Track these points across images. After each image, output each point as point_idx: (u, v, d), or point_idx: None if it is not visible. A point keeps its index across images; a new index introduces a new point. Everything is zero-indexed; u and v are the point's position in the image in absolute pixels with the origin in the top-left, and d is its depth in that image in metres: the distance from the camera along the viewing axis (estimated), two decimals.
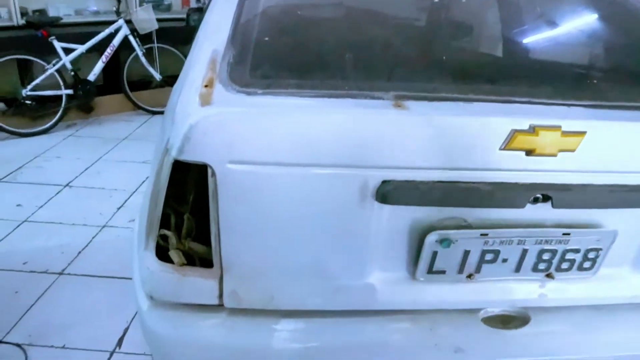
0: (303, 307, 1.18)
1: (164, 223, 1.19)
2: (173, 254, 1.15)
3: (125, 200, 3.08)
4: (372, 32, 1.35)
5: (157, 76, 4.59)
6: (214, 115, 1.00)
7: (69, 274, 2.39)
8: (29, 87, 4.03)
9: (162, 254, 1.16)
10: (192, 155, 1.00)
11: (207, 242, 1.12)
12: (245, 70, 1.11)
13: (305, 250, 1.11)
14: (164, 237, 1.19)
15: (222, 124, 1.00)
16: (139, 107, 4.66)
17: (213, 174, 1.01)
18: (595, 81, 1.30)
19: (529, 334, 1.22)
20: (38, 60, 4.05)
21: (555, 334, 1.24)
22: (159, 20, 4.46)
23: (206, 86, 1.06)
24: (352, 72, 1.16)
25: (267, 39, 1.22)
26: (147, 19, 4.36)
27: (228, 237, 1.07)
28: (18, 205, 2.99)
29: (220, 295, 1.13)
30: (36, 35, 4.03)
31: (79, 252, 2.55)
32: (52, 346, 1.96)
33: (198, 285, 1.13)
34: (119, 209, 2.99)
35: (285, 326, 1.17)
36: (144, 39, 4.46)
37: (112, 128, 4.36)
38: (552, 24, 1.51)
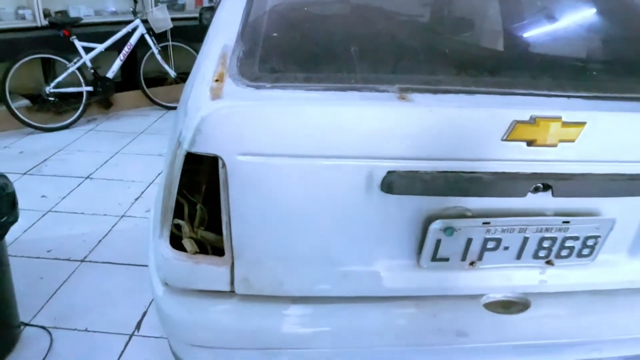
0: (311, 293, 1.17)
1: (178, 213, 1.18)
2: (186, 242, 1.14)
3: (143, 191, 3.08)
4: (377, 27, 1.32)
5: (172, 73, 4.57)
6: (224, 109, 0.98)
7: (90, 261, 2.40)
8: (52, 84, 4.04)
9: (176, 242, 1.15)
10: (203, 148, 0.98)
11: (219, 231, 1.11)
12: (255, 64, 1.09)
13: (313, 238, 1.09)
14: (177, 226, 1.19)
15: (232, 117, 0.98)
16: (155, 103, 4.65)
17: (223, 165, 1.00)
18: (594, 73, 1.27)
19: (530, 318, 1.20)
20: (60, 59, 4.04)
21: (554, 319, 1.22)
22: (173, 19, 4.44)
23: (217, 80, 1.04)
24: (358, 65, 1.13)
25: (275, 34, 1.20)
26: (162, 19, 4.34)
27: (239, 226, 1.06)
28: (43, 196, 3.00)
29: (232, 282, 1.12)
30: (58, 35, 4.02)
31: (100, 241, 2.56)
32: (75, 329, 1.97)
33: (210, 272, 1.11)
34: (136, 199, 2.99)
35: (294, 311, 1.16)
36: (160, 37, 4.44)
37: (129, 123, 4.35)
38: (552, 17, 1.47)
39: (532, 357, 1.26)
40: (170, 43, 4.57)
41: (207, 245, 1.19)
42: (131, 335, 1.95)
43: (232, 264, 1.10)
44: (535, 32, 1.43)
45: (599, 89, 1.12)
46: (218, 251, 1.14)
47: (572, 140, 1.02)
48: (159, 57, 4.44)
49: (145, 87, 4.57)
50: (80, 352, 1.86)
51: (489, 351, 1.24)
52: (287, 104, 0.99)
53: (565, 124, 1.00)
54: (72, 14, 4.36)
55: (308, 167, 1.00)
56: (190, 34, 4.46)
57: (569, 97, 1.07)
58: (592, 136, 1.02)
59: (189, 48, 4.53)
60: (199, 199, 1.26)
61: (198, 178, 1.24)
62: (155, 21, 4.30)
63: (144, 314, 2.05)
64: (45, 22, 4.15)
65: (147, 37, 4.33)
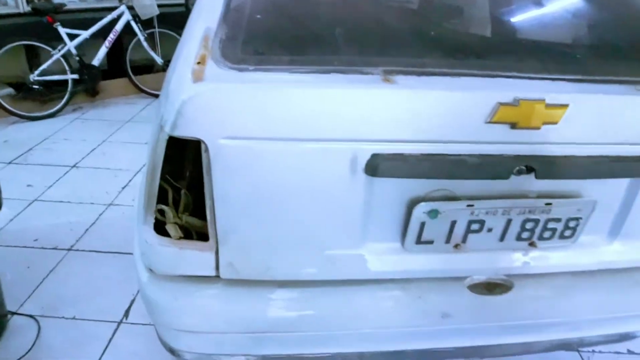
0: (297, 277, 1.16)
1: (162, 199, 1.17)
2: (170, 228, 1.13)
3: (130, 180, 3.05)
4: (362, 9, 1.30)
5: (159, 60, 4.50)
6: (205, 91, 0.96)
7: (77, 250, 2.38)
8: (37, 72, 3.96)
9: (161, 228, 1.14)
10: (185, 131, 0.97)
11: (204, 217, 1.09)
12: (237, 47, 1.06)
13: (299, 222, 1.08)
14: (162, 212, 1.17)
15: (214, 100, 0.96)
16: (142, 91, 4.58)
17: (206, 149, 0.98)
18: (578, 56, 1.26)
19: (512, 299, 1.21)
20: (44, 46, 3.96)
21: (537, 300, 1.23)
22: (159, 5, 4.34)
23: (199, 63, 1.02)
24: (342, 48, 1.12)
25: (258, 16, 1.17)
26: (148, 5, 4.25)
27: (223, 210, 1.05)
28: (28, 185, 2.96)
29: (217, 267, 1.11)
30: (42, 21, 3.93)
31: (87, 229, 2.53)
32: (63, 317, 1.96)
33: (195, 257, 1.10)
34: (123, 188, 2.96)
35: (280, 295, 1.16)
36: (146, 24, 4.36)
37: (116, 111, 4.29)
38: (538, 2, 1.46)
39: (515, 337, 1.28)
40: (157, 30, 4.50)
41: (192, 231, 1.18)
42: (119, 323, 1.94)
43: (217, 249, 1.09)
44: (521, 17, 1.42)
45: (582, 71, 1.11)
46: (203, 236, 1.13)
47: (555, 123, 1.01)
48: (145, 44, 4.36)
49: (132, 74, 4.51)
50: (69, 340, 1.85)
51: (472, 332, 1.25)
52: (270, 86, 0.97)
53: (549, 106, 0.99)
54: None
55: (292, 150, 0.99)
56: (177, 20, 4.36)
57: (552, 79, 1.07)
58: (575, 118, 1.02)
59: (176, 35, 4.46)
60: (183, 185, 1.24)
61: (182, 163, 1.23)
62: (141, 7, 4.22)
63: (132, 301, 2.04)
64: (27, 8, 4.05)
65: (132, 23, 4.25)
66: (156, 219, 1.13)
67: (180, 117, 0.96)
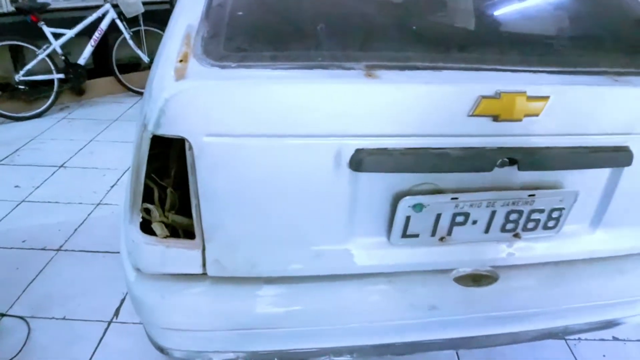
0: (284, 273, 1.16)
1: (149, 197, 1.16)
2: (156, 227, 1.12)
3: (118, 179, 3.02)
4: (344, 4, 1.29)
5: (145, 58, 4.46)
6: (188, 89, 0.95)
7: (66, 250, 2.35)
8: (22, 72, 3.91)
9: (147, 227, 1.13)
10: (168, 130, 0.96)
11: (190, 215, 1.09)
12: (219, 44, 1.05)
13: (284, 218, 1.08)
14: (148, 211, 1.16)
15: (197, 98, 0.95)
16: (129, 89, 4.54)
17: (190, 147, 0.97)
18: (559, 48, 1.27)
19: (499, 290, 1.22)
20: (29, 46, 3.90)
21: (522, 290, 1.24)
22: (144, 3, 4.30)
23: (181, 61, 1.01)
24: (325, 43, 1.11)
25: (240, 13, 1.16)
26: (133, 3, 4.19)
27: (208, 208, 1.04)
28: (16, 186, 2.92)
29: (204, 265, 1.11)
30: (26, 21, 3.88)
31: (76, 229, 2.50)
32: (53, 318, 1.94)
33: (181, 255, 1.10)
34: (112, 187, 2.93)
35: (267, 292, 1.16)
36: (131, 22, 4.32)
37: (103, 110, 4.24)
38: None
39: (502, 328, 1.29)
40: (142, 28, 4.44)
41: (179, 229, 1.18)
42: (110, 323, 1.93)
43: (204, 246, 1.09)
44: (502, 10, 1.42)
45: (562, 63, 1.12)
46: (190, 234, 1.12)
47: (537, 115, 1.02)
48: (131, 42, 4.32)
49: (118, 73, 4.46)
50: (59, 341, 1.84)
51: (460, 323, 1.26)
52: (252, 83, 0.97)
53: (530, 98, 1.00)
54: None
55: (276, 146, 0.98)
56: (163, 17, 4.29)
57: (533, 72, 1.07)
58: (556, 110, 1.02)
59: (161, 32, 4.38)
60: (169, 183, 1.24)
61: (167, 161, 1.22)
62: (126, 5, 4.16)
63: (122, 300, 2.03)
64: (11, 8, 3.99)
65: (118, 22, 4.21)
66: (142, 217, 1.12)
67: (163, 116, 0.95)
